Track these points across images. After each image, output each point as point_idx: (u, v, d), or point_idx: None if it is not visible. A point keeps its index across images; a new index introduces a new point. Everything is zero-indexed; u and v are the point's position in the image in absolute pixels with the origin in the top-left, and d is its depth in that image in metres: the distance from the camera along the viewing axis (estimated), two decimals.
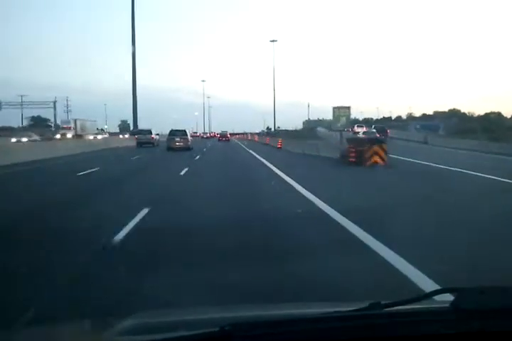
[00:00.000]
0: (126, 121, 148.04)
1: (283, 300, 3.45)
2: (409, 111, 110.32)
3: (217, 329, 1.10)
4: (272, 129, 76.38)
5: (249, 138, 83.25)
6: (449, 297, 1.28)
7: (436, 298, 1.39)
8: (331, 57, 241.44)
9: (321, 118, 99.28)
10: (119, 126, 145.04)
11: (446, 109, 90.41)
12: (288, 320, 1.23)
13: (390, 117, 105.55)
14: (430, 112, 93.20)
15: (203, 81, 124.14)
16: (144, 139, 37.98)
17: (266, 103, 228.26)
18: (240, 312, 1.62)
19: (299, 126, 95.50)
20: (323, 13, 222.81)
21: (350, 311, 1.27)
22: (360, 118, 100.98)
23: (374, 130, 49.38)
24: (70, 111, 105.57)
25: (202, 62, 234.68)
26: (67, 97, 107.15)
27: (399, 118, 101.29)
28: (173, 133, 34.05)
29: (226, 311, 1.68)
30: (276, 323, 1.20)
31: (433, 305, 1.37)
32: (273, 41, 65.01)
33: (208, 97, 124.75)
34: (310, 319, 1.27)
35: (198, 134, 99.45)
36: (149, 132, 39.74)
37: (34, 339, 1.38)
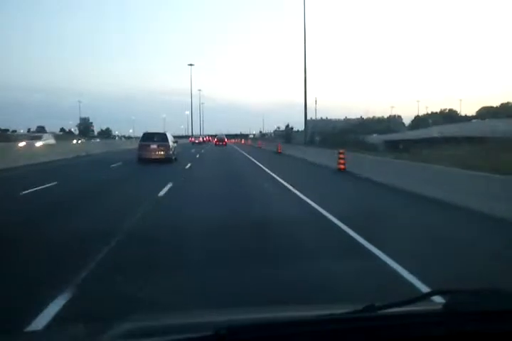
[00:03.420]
0: (88, 119, 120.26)
1: None
2: (449, 107, 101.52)
3: (211, 333, 1.11)
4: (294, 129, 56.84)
5: (250, 142, 69.33)
6: (442, 299, 1.29)
7: (430, 299, 1.40)
8: (327, 55, 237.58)
9: (321, 117, 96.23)
10: (79, 126, 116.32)
11: (494, 104, 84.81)
12: (282, 323, 1.24)
13: (436, 112, 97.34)
14: (475, 109, 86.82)
15: (191, 65, 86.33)
16: None
17: (259, 102, 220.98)
18: (234, 316, 1.63)
19: (299, 126, 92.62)
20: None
21: (344, 314, 1.28)
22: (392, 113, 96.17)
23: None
24: None
25: (192, 54, 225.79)
26: None
27: (453, 113, 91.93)
28: (148, 137, 22.77)
29: (221, 314, 1.69)
30: (270, 327, 1.21)
31: (426, 307, 1.38)
32: None
33: (199, 90, 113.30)
34: (304, 322, 1.28)
35: (198, 139, 72.22)
36: None
37: None
